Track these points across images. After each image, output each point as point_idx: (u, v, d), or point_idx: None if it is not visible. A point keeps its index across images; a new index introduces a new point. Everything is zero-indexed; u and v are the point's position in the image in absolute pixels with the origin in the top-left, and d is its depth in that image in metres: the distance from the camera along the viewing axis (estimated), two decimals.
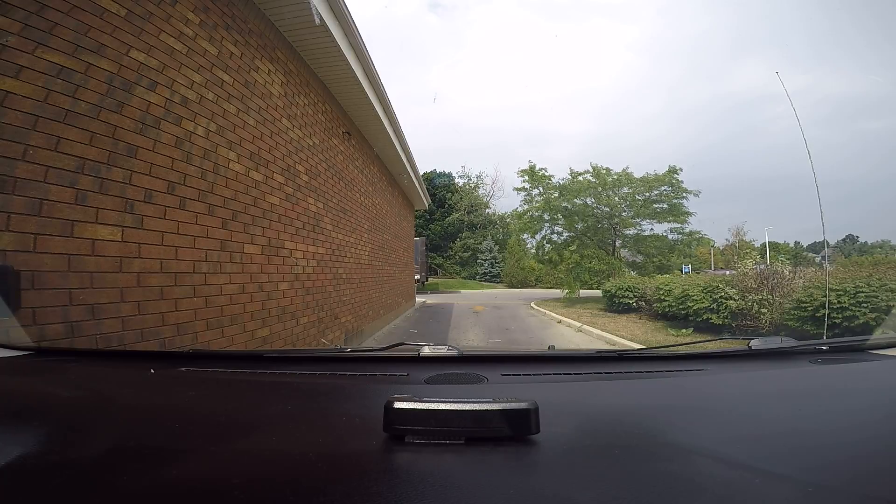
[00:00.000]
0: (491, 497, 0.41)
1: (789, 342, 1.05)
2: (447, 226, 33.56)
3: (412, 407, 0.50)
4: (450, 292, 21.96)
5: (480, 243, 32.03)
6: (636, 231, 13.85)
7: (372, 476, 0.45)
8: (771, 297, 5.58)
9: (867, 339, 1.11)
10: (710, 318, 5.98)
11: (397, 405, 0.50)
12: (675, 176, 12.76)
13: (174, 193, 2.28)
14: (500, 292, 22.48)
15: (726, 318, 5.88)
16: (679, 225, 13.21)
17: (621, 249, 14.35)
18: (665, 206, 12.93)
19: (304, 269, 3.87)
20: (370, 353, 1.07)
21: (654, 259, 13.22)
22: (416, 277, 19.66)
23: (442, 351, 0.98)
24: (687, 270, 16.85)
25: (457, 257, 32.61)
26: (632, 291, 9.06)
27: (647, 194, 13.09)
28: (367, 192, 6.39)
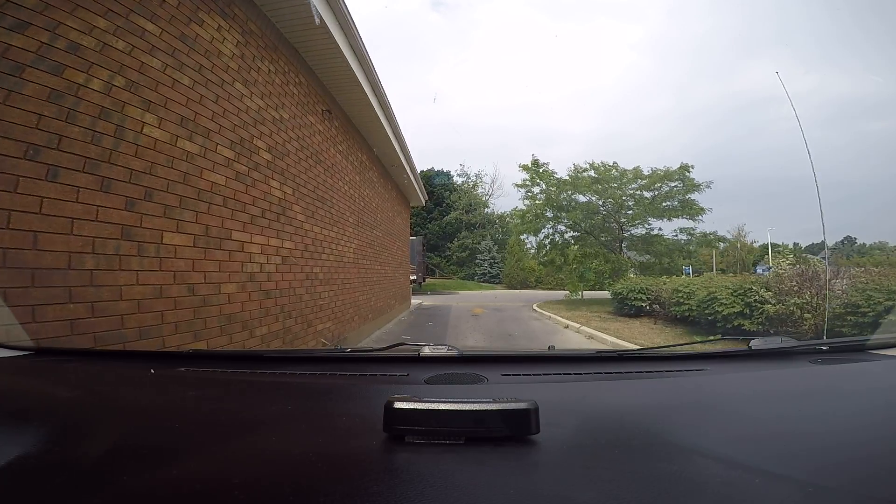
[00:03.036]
0: (491, 497, 0.41)
1: (789, 342, 1.05)
2: (445, 225, 32.69)
3: (412, 407, 0.50)
4: (448, 293, 21.19)
5: (479, 243, 31.10)
6: (645, 230, 13.04)
7: (372, 476, 0.45)
8: (816, 300, 4.88)
9: (867, 339, 1.11)
10: (743, 324, 5.28)
11: (397, 405, 0.50)
12: (687, 173, 11.98)
13: (36, 160, 1.57)
14: (499, 293, 21.72)
15: (762, 324, 5.19)
16: (692, 224, 12.36)
17: (625, 249, 13.55)
18: (676, 202, 12.14)
19: (262, 267, 3.16)
20: (370, 353, 1.07)
21: (664, 260, 12.45)
22: (412, 278, 19.02)
23: (442, 351, 0.97)
24: (688, 272, 16.08)
25: (455, 257, 31.75)
26: (644, 294, 8.35)
27: (656, 191, 12.29)
28: (353, 181, 5.69)
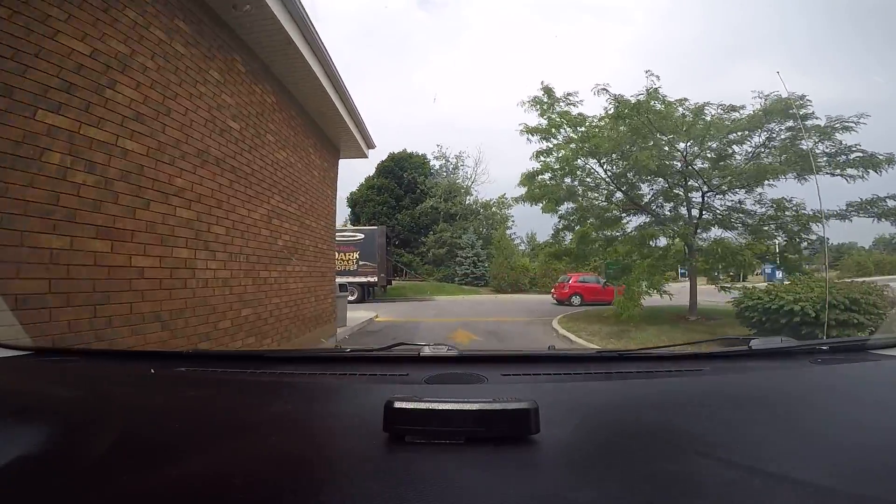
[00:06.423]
0: (491, 497, 0.41)
1: (789, 342, 1.04)
2: (419, 215, 27.45)
3: (412, 407, 0.50)
4: (420, 300, 16.62)
5: (460, 237, 26.09)
6: (732, 202, 8.04)
7: (372, 476, 0.45)
8: None
9: (867, 340, 1.12)
10: None
11: (397, 405, 0.50)
12: (795, 110, 7.18)
13: None
14: (488, 300, 16.92)
15: None
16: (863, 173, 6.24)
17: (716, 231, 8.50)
18: (792, 154, 7.01)
19: None
20: (370, 353, 1.07)
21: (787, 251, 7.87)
22: (371, 280, 14.32)
23: (442, 351, 0.97)
24: (684, 274, 11.98)
25: (430, 254, 26.68)
26: (858, 310, 4.08)
27: (759, 139, 7.25)
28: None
